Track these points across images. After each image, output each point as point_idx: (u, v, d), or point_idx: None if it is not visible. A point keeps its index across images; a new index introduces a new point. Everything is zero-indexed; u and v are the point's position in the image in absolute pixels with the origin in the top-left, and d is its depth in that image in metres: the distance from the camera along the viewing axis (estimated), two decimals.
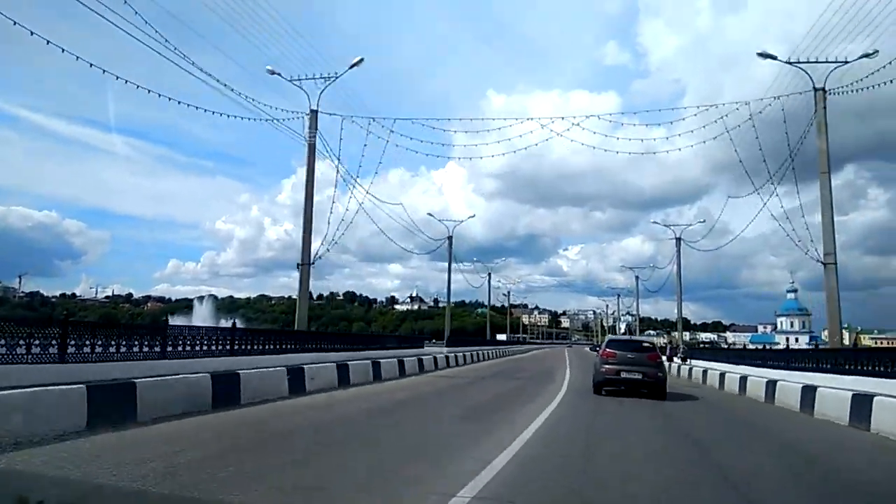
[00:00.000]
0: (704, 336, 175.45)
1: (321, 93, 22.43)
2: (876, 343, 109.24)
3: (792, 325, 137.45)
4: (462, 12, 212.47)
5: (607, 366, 15.13)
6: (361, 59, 22.24)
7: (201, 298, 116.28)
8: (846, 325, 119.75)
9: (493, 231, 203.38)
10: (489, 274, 67.71)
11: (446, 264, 67.56)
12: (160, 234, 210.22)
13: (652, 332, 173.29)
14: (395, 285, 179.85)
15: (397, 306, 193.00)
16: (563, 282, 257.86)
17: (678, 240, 41.51)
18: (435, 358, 23.72)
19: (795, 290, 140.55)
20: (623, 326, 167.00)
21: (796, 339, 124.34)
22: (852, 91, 19.59)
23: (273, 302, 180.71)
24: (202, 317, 76.53)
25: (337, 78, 22.56)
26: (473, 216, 52.65)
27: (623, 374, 14.91)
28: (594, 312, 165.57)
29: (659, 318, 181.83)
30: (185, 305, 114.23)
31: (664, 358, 27.72)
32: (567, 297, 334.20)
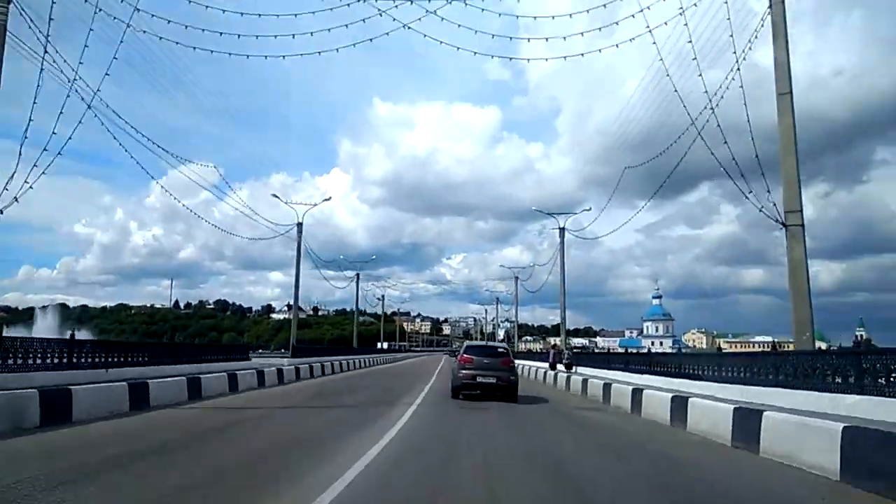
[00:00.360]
0: (577, 341, 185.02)
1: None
2: (732, 347, 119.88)
3: (657, 330, 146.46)
4: (348, 20, 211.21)
5: (465, 371, 15.55)
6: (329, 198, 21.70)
7: (45, 308, 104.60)
8: (703, 330, 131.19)
9: (377, 239, 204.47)
10: (357, 275, 65.30)
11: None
12: (10, 237, 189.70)
13: (529, 337, 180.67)
14: (275, 293, 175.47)
15: (274, 315, 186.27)
16: (446, 290, 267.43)
17: (562, 230, 40.38)
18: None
19: (660, 297, 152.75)
20: (502, 333, 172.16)
21: (660, 343, 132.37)
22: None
23: (133, 311, 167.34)
24: (47, 328, 68.52)
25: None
26: (329, 199, 49.33)
27: (479, 379, 15.41)
28: (475, 319, 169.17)
29: (535, 325, 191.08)
30: (29, 316, 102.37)
31: (548, 365, 28.58)
32: (450, 304, 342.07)
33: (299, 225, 36.55)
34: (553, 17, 19.12)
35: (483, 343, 21.66)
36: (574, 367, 26.94)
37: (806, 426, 7.29)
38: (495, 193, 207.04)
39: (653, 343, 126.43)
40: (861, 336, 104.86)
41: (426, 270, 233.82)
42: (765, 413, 8.26)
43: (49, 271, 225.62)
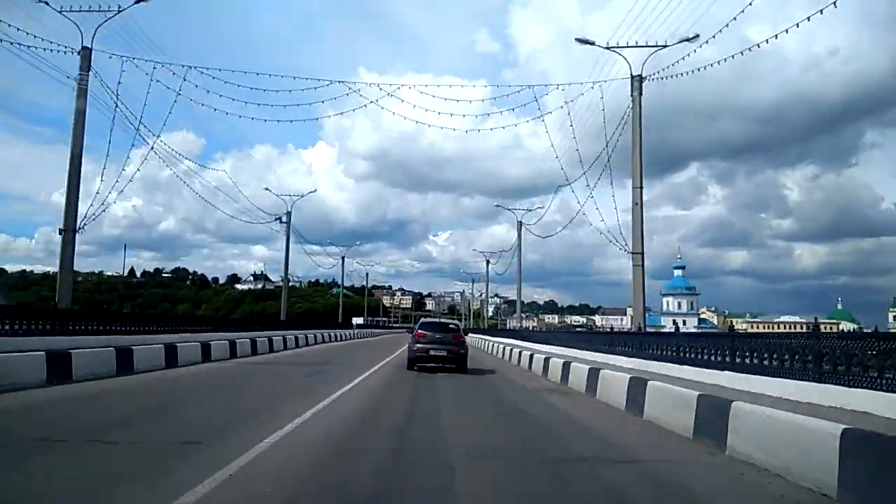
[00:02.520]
0: (574, 319, 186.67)
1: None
2: (752, 328, 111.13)
3: (679, 307, 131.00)
4: None
5: (419, 345, 18.26)
6: None
7: None
8: (713, 309, 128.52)
9: (363, 215, 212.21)
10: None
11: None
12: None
13: (522, 314, 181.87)
14: (258, 267, 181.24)
15: (239, 286, 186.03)
16: (431, 267, 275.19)
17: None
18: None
19: (683, 267, 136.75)
20: (492, 309, 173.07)
21: (683, 322, 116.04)
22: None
23: (80, 278, 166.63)
24: None
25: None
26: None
27: (432, 352, 18.16)
28: (461, 294, 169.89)
29: (526, 301, 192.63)
30: None
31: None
32: (435, 281, 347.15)
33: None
34: None
35: (436, 320, 25.87)
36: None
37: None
38: (482, 169, 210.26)
39: (674, 322, 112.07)
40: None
41: (411, 248, 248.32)
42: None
43: (27, 241, 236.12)
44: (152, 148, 24.63)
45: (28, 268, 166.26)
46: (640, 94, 22.01)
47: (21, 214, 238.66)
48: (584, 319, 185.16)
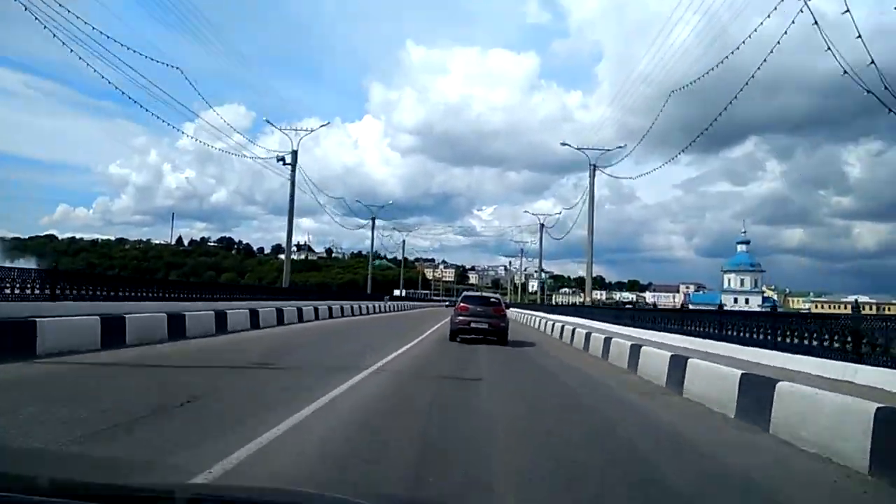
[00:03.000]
0: (624, 295, 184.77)
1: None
2: (818, 308, 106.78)
3: (742, 284, 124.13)
4: None
5: (461, 317, 19.55)
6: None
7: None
8: (773, 287, 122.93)
9: (409, 189, 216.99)
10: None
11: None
12: (50, 176, 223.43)
13: (567, 290, 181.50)
14: (304, 240, 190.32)
15: (281, 256, 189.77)
16: (476, 241, 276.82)
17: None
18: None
19: (747, 242, 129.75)
20: (536, 284, 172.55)
21: (746, 301, 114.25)
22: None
23: (128, 246, 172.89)
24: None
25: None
26: (328, 123, 50.67)
27: (473, 325, 19.35)
28: (506, 268, 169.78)
29: (572, 277, 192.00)
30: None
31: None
32: (479, 256, 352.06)
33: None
34: None
35: (478, 293, 25.46)
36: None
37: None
38: (529, 143, 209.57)
39: (736, 300, 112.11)
40: None
41: (456, 221, 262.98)
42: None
43: (86, 210, 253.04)
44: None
45: (78, 235, 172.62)
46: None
47: (82, 185, 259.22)
48: (634, 296, 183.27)
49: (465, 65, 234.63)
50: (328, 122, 35.24)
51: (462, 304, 20.09)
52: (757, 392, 7.74)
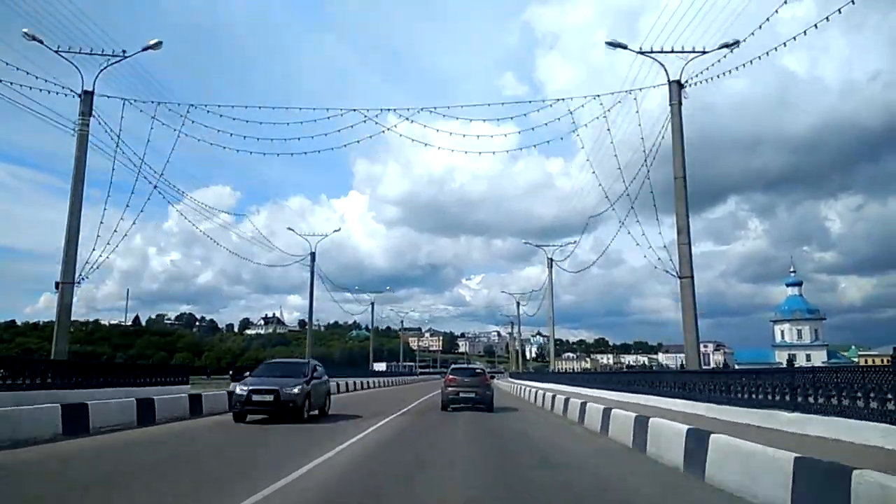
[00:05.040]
0: (630, 359, 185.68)
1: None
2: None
3: (798, 336, 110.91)
4: (361, 44, 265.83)
5: (450, 388, 23.29)
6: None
7: None
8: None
9: (395, 261, 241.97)
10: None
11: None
12: (34, 266, 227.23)
13: (571, 354, 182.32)
14: (293, 317, 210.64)
15: (248, 331, 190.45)
16: (465, 311, 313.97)
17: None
18: None
19: (799, 284, 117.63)
20: (535, 349, 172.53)
21: (807, 357, 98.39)
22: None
23: (72, 329, 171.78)
24: None
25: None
26: (339, 230, 55.86)
27: (461, 394, 23.09)
28: (498, 334, 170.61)
29: (573, 341, 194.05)
30: None
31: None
32: (470, 325, 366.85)
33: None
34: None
35: (465, 365, 33.59)
36: None
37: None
38: (514, 211, 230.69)
39: (792, 358, 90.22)
40: None
41: (445, 292, 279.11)
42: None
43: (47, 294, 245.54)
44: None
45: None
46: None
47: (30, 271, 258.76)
48: (646, 359, 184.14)
49: (446, 137, 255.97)
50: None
51: (450, 377, 24.06)
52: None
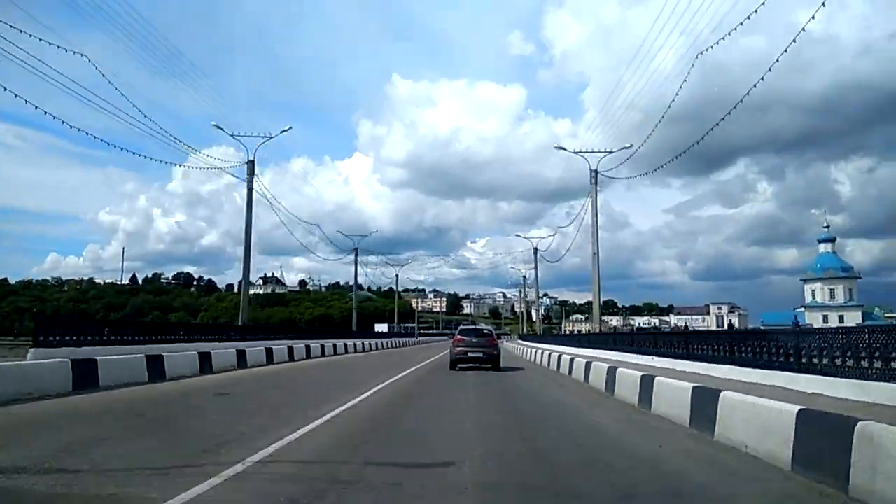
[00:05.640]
0: (641, 321, 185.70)
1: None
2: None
3: (829, 296, 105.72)
4: (366, 3, 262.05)
5: (458, 348, 25.01)
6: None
7: None
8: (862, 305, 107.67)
9: (401, 223, 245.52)
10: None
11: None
12: (40, 226, 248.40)
13: (579, 315, 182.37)
14: (297, 279, 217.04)
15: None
16: (470, 274, 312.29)
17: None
18: None
19: (833, 240, 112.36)
20: (542, 310, 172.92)
21: (840, 318, 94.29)
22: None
23: (66, 288, 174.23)
24: None
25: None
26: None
27: (469, 354, 24.81)
28: (504, 295, 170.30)
29: (581, 302, 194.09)
30: None
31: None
32: (475, 288, 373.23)
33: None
34: None
35: (472, 326, 32.38)
36: None
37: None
38: (520, 173, 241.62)
39: (826, 318, 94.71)
40: None
41: (450, 255, 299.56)
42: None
43: (76, 259, 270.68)
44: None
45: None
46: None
47: (72, 233, 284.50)
48: (657, 321, 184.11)
49: (452, 97, 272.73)
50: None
51: (459, 337, 25.69)
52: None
